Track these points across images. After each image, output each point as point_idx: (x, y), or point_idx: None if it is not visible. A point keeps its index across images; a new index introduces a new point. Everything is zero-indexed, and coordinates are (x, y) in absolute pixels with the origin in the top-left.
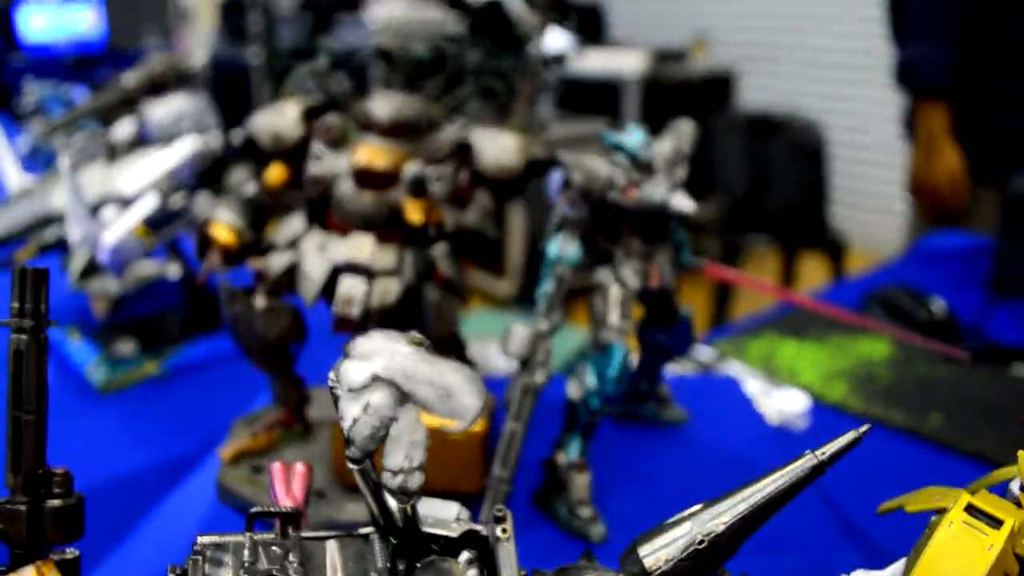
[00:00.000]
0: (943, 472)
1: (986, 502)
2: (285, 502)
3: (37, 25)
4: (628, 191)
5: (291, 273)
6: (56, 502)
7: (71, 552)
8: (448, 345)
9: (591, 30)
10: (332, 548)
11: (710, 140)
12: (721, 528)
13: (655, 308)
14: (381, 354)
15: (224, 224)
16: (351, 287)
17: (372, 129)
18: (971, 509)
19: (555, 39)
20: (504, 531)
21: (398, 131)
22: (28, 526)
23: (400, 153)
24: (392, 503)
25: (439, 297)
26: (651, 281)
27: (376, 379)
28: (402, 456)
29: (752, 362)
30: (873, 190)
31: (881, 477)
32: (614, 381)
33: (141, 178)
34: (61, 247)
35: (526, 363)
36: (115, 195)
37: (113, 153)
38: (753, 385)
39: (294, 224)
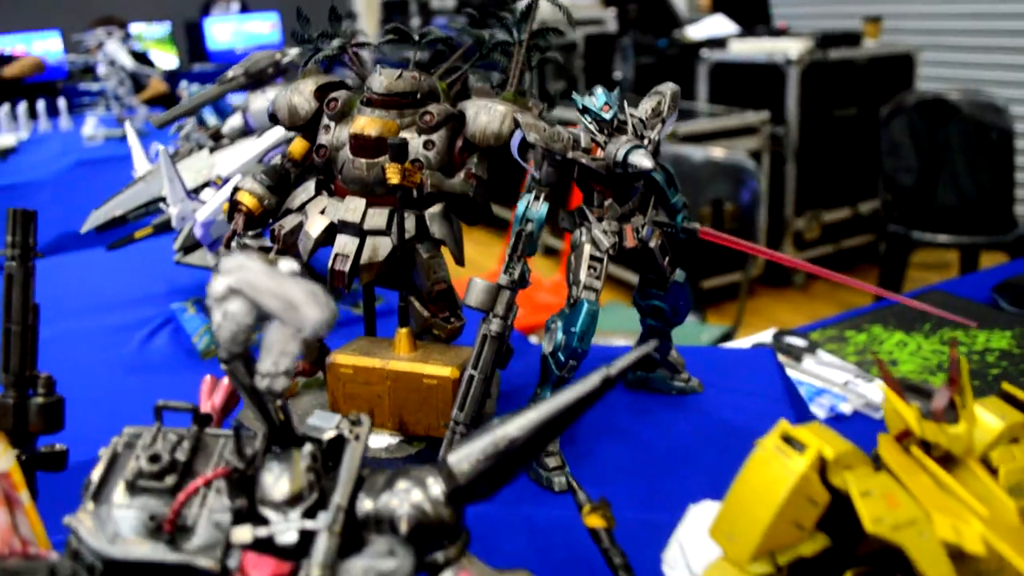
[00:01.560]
0: None
1: (809, 431)
2: (204, 406)
3: (222, 35)
4: (594, 151)
5: (296, 232)
6: (39, 399)
7: (59, 446)
8: (441, 300)
9: (755, 16)
10: (226, 443)
11: (880, 126)
12: (517, 433)
13: (645, 271)
14: (236, 270)
15: (247, 191)
16: (344, 244)
17: (371, 103)
18: (787, 438)
19: (716, 24)
20: (354, 433)
21: (391, 103)
22: (15, 417)
23: (392, 123)
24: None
25: (429, 255)
26: (626, 241)
27: (231, 291)
28: (270, 362)
29: (846, 354)
30: None
31: None
32: (579, 336)
33: (235, 161)
34: (170, 227)
35: (486, 313)
36: (213, 179)
37: (217, 143)
38: (834, 374)
39: (306, 190)
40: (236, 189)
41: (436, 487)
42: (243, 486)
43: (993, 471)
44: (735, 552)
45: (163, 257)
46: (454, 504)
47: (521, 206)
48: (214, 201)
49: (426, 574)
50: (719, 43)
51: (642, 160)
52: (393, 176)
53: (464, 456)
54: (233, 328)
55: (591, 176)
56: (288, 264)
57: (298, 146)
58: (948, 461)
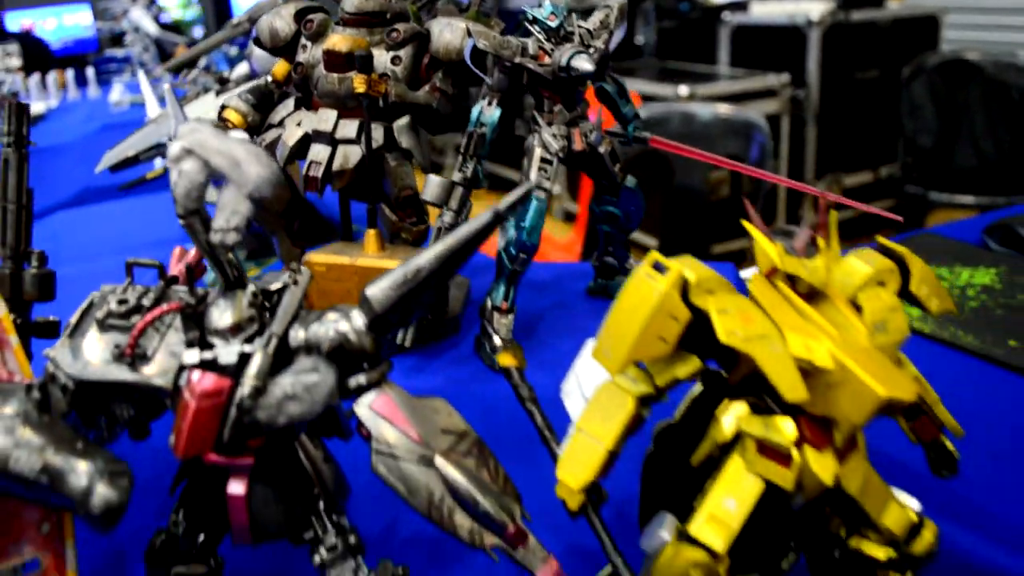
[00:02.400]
0: (985, 390)
1: (678, 261)
2: (172, 271)
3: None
4: (541, 58)
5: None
6: (33, 271)
7: (52, 318)
8: (408, 205)
9: None
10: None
11: (900, 87)
12: (424, 263)
13: (598, 178)
14: (190, 133)
15: (233, 108)
16: (317, 152)
17: (344, 22)
18: (656, 265)
19: None
20: (294, 280)
21: (361, 22)
22: (11, 286)
23: (363, 40)
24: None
25: (396, 163)
26: (575, 144)
27: (185, 151)
28: (223, 219)
29: None
30: None
31: None
32: (528, 230)
33: None
34: None
35: (440, 207)
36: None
37: (223, 87)
38: None
39: (286, 107)
40: (223, 107)
41: (359, 319)
42: (194, 320)
43: (860, 309)
44: (610, 365)
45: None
46: (374, 332)
47: (475, 111)
48: None
49: (350, 402)
50: (741, 6)
51: (583, 64)
52: (360, 85)
53: (380, 288)
54: (187, 185)
55: (540, 82)
56: (238, 133)
57: (280, 68)
58: (814, 298)
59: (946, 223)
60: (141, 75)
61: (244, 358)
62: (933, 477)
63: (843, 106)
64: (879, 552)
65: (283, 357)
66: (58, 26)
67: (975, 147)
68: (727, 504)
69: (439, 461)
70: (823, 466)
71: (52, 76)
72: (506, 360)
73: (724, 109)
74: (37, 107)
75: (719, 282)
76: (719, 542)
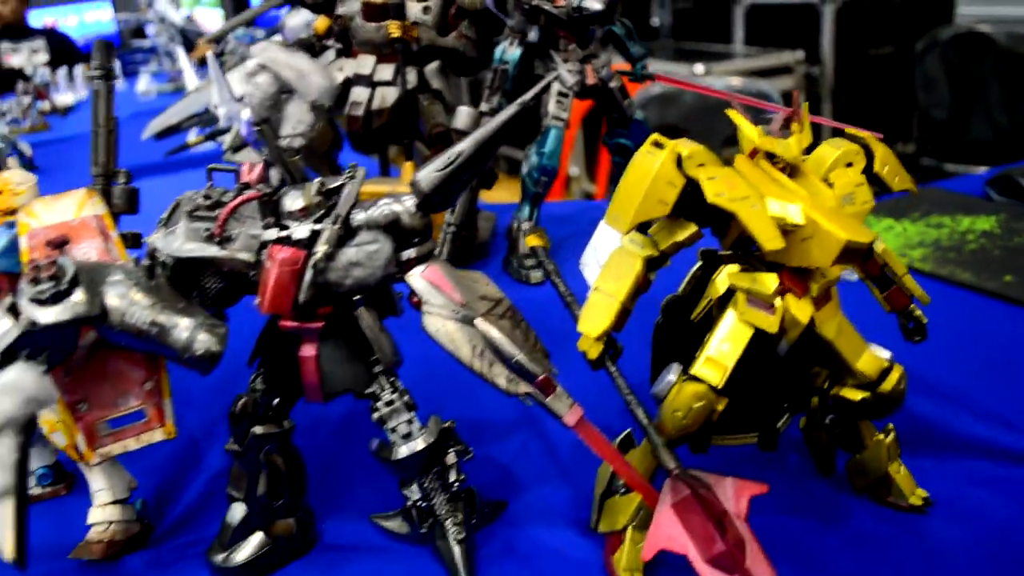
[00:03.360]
0: (980, 320)
1: (677, 141)
2: (244, 179)
3: None
4: (556, 1)
5: None
6: (121, 186)
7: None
8: (439, 141)
9: None
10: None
11: (913, 63)
12: (463, 147)
13: (610, 112)
14: (262, 52)
15: None
16: (358, 94)
17: None
18: (656, 143)
19: None
20: (351, 175)
21: None
22: (103, 199)
23: None
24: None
25: (429, 103)
26: (588, 79)
27: (259, 66)
28: (290, 127)
29: None
30: None
31: None
32: (548, 154)
33: None
34: (223, 132)
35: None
36: None
37: None
38: None
39: (327, 57)
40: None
41: (409, 200)
42: (270, 206)
43: (831, 186)
44: (620, 226)
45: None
46: (422, 212)
47: (499, 50)
48: None
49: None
50: None
51: (593, 4)
52: (395, 31)
53: (427, 171)
54: (261, 95)
55: (555, 22)
56: (303, 54)
57: (321, 23)
58: (790, 174)
59: (951, 178)
60: (180, 51)
61: (315, 234)
62: None
63: (858, 82)
64: (855, 395)
65: (347, 235)
66: (79, 23)
67: (989, 119)
68: (722, 347)
69: (479, 321)
70: (800, 309)
71: (79, 69)
72: (533, 240)
73: (735, 82)
74: (66, 99)
75: (709, 157)
76: (716, 377)
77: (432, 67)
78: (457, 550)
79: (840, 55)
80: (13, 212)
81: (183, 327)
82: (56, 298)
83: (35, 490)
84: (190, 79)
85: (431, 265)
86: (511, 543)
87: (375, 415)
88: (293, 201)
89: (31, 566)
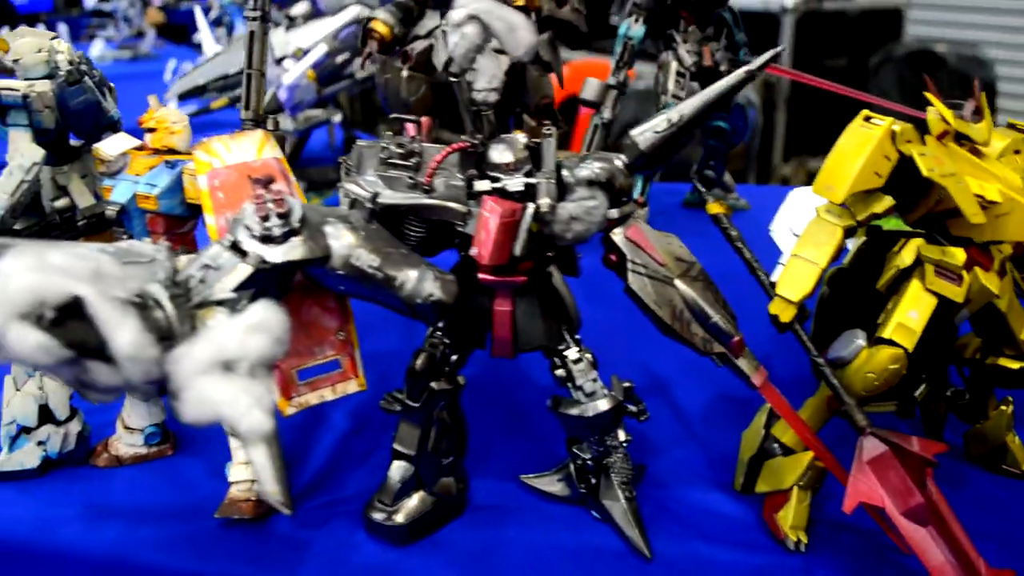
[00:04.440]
0: None
1: (883, 118)
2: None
3: None
4: None
5: (426, 54)
6: (269, 131)
7: None
8: (545, 112)
9: None
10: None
11: (870, 75)
12: (686, 110)
13: None
14: (473, 2)
15: (381, 20)
16: None
17: None
18: (867, 118)
19: None
20: (547, 131)
21: None
22: None
23: None
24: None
25: (538, 74)
26: (704, 60)
27: (469, 16)
28: (484, 81)
29: None
30: None
31: None
32: None
33: (313, 35)
34: None
35: (598, 107)
36: (292, 53)
37: (291, 23)
38: None
39: (432, 19)
40: (369, 19)
41: (618, 160)
42: (475, 157)
43: None
44: (834, 195)
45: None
46: (631, 172)
47: (623, 27)
48: (300, 66)
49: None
50: None
51: None
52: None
53: (644, 131)
54: (467, 46)
55: (680, 3)
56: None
57: None
58: (976, 155)
59: None
60: (197, 11)
61: (528, 187)
62: None
63: (813, 92)
64: (1014, 364)
65: (561, 190)
66: None
67: None
68: (911, 314)
69: (678, 281)
70: (990, 281)
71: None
72: (715, 208)
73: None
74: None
75: (915, 135)
76: (909, 341)
77: (543, 37)
78: (628, 508)
79: (797, 64)
80: (171, 151)
81: (409, 273)
82: (286, 236)
83: (141, 449)
84: (207, 44)
85: (633, 224)
86: (662, 503)
87: (558, 372)
88: (501, 154)
89: (177, 526)
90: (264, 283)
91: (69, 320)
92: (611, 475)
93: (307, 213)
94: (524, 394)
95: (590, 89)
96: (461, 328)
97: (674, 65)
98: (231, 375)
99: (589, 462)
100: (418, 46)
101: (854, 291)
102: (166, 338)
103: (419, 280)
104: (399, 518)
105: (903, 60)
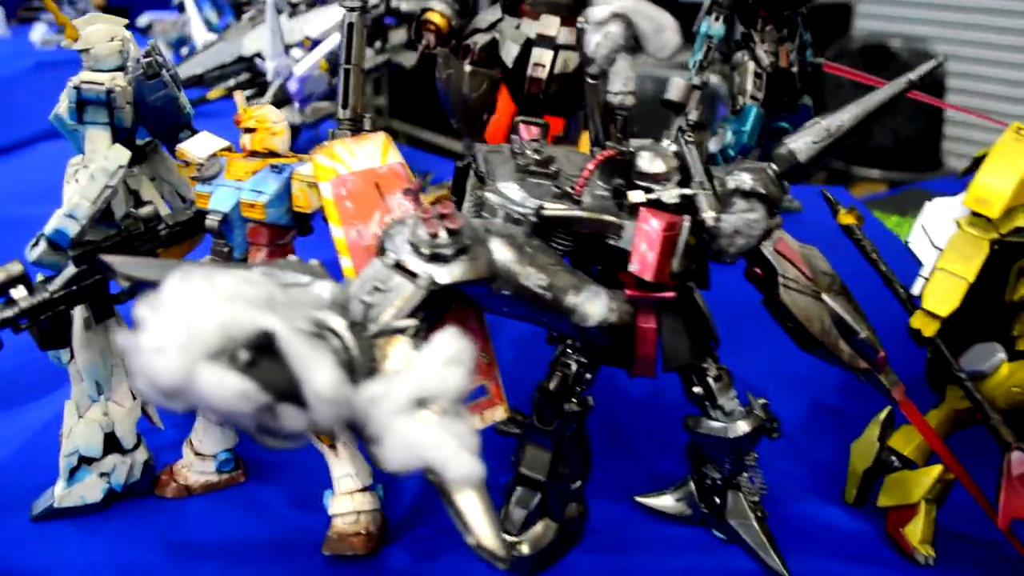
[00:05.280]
0: None
1: None
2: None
3: None
4: None
5: (488, 48)
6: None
7: None
8: (611, 114)
9: None
10: (569, 154)
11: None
12: (845, 119)
13: (782, 95)
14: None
15: (438, 12)
16: (541, 55)
17: None
18: (1019, 129)
19: None
20: (690, 139)
21: None
22: None
23: None
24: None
25: None
26: (781, 60)
27: (613, 15)
28: (620, 84)
29: None
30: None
31: None
32: (750, 134)
33: (322, 23)
34: (250, 86)
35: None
36: (298, 41)
37: (294, 10)
38: None
39: (493, 13)
40: (425, 10)
41: (770, 170)
42: (622, 167)
43: None
44: (989, 210)
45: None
46: (782, 182)
47: (703, 26)
48: (313, 56)
49: None
50: None
51: None
52: None
53: (804, 141)
54: (610, 46)
55: (760, 2)
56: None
57: None
58: None
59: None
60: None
61: (684, 199)
62: None
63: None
64: None
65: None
66: None
67: (891, 127)
68: None
69: (824, 296)
70: None
71: None
72: (846, 219)
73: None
74: None
75: None
76: None
77: None
78: (760, 528)
79: None
80: (272, 154)
81: (580, 294)
82: (457, 254)
83: (212, 477)
84: (198, 32)
85: (781, 238)
86: (780, 519)
87: (695, 390)
88: (652, 163)
89: (280, 566)
90: (433, 306)
91: (262, 359)
92: (741, 494)
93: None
94: (623, 411)
95: (675, 90)
96: (601, 347)
97: (751, 66)
98: (430, 414)
99: (719, 481)
100: (479, 40)
101: (977, 302)
102: (349, 373)
103: (591, 302)
104: (525, 549)
105: (856, 54)
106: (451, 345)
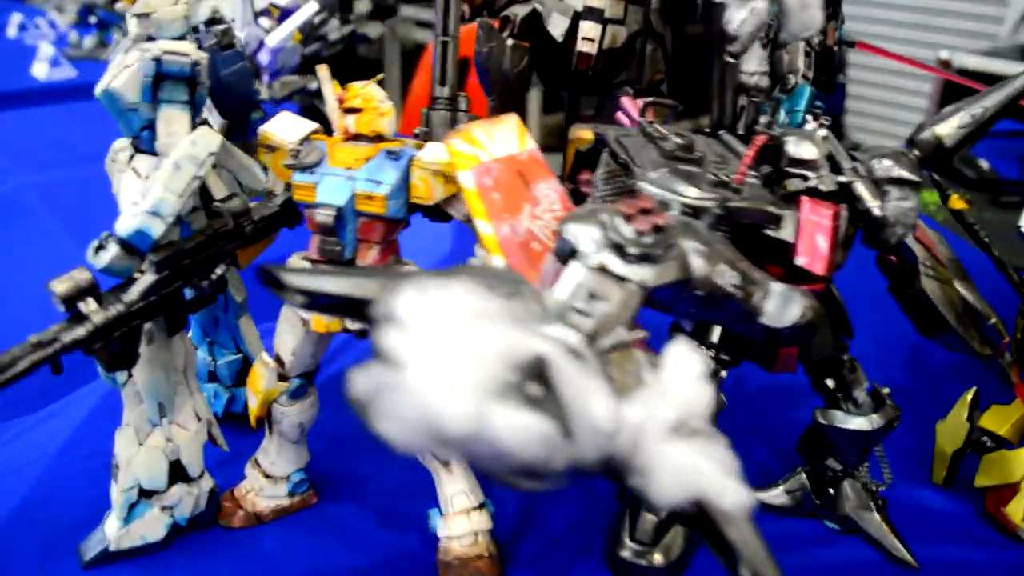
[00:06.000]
0: None
1: None
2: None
3: None
4: None
5: (529, 20)
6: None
7: None
8: (652, 92)
9: None
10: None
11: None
12: (990, 103)
13: (818, 74)
14: None
15: None
16: (589, 29)
17: None
18: None
19: None
20: (825, 122)
21: None
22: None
23: None
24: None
25: (652, 48)
26: (829, 39)
27: None
28: (755, 64)
29: None
30: (889, 98)
31: None
32: (802, 113)
33: None
34: None
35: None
36: (263, 8)
37: None
38: None
39: None
40: None
41: (912, 155)
42: (772, 153)
43: None
44: None
45: None
46: (924, 168)
47: None
48: (286, 26)
49: None
50: None
51: None
52: None
53: (951, 126)
54: (756, 23)
55: None
56: None
57: None
58: None
59: None
60: None
61: (841, 187)
62: None
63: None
64: None
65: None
66: None
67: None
68: None
69: (956, 283)
70: None
71: None
72: (958, 203)
73: (945, 54)
74: None
75: None
76: None
77: (654, 5)
78: (882, 518)
79: None
80: (380, 139)
81: (770, 292)
82: (665, 253)
83: (284, 501)
84: None
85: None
86: None
87: (828, 383)
88: (804, 149)
89: None
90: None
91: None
92: (858, 484)
93: None
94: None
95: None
96: (741, 342)
97: (802, 44)
98: (692, 438)
99: (839, 473)
100: (519, 11)
101: None
102: None
103: (784, 300)
104: (658, 558)
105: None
106: (694, 359)
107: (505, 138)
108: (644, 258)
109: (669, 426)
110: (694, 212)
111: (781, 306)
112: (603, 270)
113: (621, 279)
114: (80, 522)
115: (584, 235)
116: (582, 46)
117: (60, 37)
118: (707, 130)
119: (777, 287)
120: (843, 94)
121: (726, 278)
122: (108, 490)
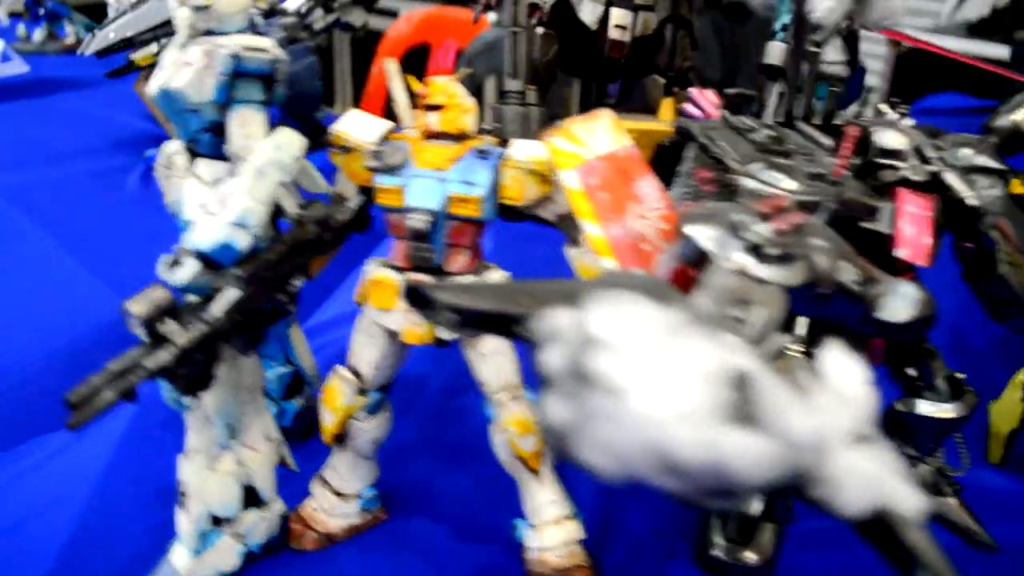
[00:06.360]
0: None
1: None
2: (712, 112)
3: None
4: None
5: (558, 8)
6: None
7: None
8: (681, 79)
9: None
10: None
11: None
12: None
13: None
14: None
15: None
16: (622, 16)
17: None
18: None
19: None
20: (903, 111)
21: None
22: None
23: None
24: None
25: (681, 35)
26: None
27: None
28: (834, 53)
29: None
30: None
31: None
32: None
33: None
34: None
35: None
36: None
37: None
38: None
39: None
40: None
41: (991, 142)
42: (860, 144)
43: None
44: None
45: None
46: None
47: None
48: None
49: None
50: None
51: None
52: None
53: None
54: (841, 11)
55: None
56: None
57: None
58: None
59: None
60: None
61: (933, 177)
62: None
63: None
64: None
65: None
66: None
67: (751, 80)
68: None
69: None
70: None
71: None
72: (1020, 188)
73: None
74: None
75: None
76: None
77: None
78: (958, 503)
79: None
80: (464, 137)
81: (883, 285)
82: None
83: (355, 519)
84: None
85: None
86: None
87: (909, 371)
88: (892, 138)
89: None
90: None
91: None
92: (934, 469)
93: None
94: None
95: (774, 52)
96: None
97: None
98: (865, 446)
99: (915, 460)
100: (547, 0)
101: None
102: None
103: (902, 295)
104: (752, 557)
105: (719, 11)
106: (854, 363)
107: (602, 136)
108: (784, 258)
109: (850, 435)
110: (801, 207)
111: (899, 301)
112: (743, 273)
113: (762, 282)
114: (141, 553)
115: (712, 237)
116: (614, 34)
117: (6, 30)
118: (778, 121)
119: (895, 282)
120: (862, 76)
121: (847, 275)
122: (164, 517)
